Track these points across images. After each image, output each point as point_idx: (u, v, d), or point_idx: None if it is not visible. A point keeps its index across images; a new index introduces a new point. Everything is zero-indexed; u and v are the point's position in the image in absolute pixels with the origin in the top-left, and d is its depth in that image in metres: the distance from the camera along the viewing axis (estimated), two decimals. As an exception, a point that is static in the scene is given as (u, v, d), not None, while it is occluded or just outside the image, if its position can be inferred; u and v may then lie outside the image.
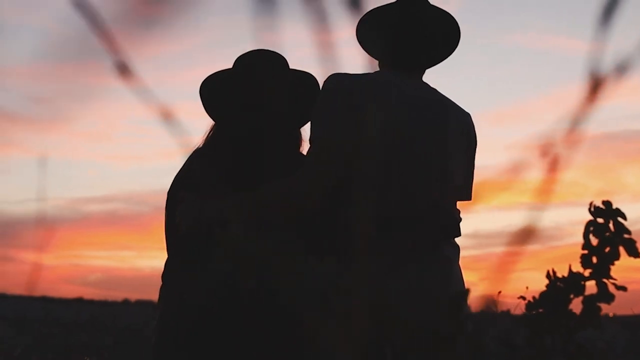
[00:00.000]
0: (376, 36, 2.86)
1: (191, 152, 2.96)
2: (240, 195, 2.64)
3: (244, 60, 2.95)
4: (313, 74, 3.01)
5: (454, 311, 0.90)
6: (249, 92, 2.89)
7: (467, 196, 2.86)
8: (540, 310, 1.15)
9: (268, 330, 2.52)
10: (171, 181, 2.96)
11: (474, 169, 2.88)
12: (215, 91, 2.93)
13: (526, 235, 0.89)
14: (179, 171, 2.94)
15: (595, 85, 0.78)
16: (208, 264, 2.39)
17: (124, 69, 0.82)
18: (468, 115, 2.87)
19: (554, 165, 0.76)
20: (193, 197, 2.74)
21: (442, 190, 2.71)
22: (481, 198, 2.81)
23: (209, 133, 2.97)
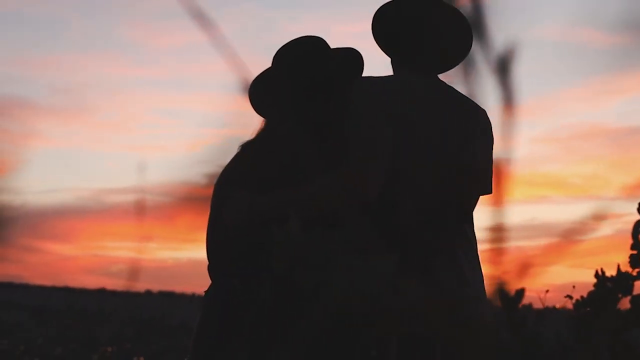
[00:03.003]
0: (392, 34, 2.88)
1: (241, 145, 2.89)
2: (291, 190, 2.60)
3: (286, 55, 2.89)
4: (355, 48, 2.94)
5: (509, 309, 0.90)
6: (299, 85, 2.83)
7: (488, 189, 2.90)
8: (588, 309, 1.15)
9: (324, 330, 2.49)
10: (219, 174, 2.90)
11: (492, 162, 2.91)
12: (262, 93, 2.87)
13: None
14: (229, 163, 2.88)
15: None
16: (263, 262, 2.33)
17: (246, 86, 0.82)
18: (484, 110, 2.90)
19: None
20: (241, 194, 2.69)
21: (469, 186, 2.75)
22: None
23: (262, 127, 2.91)
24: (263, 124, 2.90)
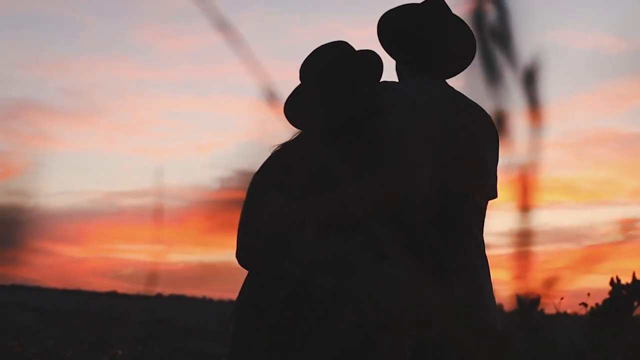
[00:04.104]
0: (397, 39, 2.89)
1: (275, 147, 2.87)
2: (326, 195, 2.58)
3: (318, 62, 2.85)
4: (374, 51, 2.90)
5: (524, 315, 0.89)
6: (335, 90, 2.79)
7: (494, 194, 2.90)
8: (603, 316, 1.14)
9: (340, 334, 2.47)
10: (251, 176, 2.88)
11: (497, 166, 2.91)
12: (298, 108, 2.83)
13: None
14: (262, 166, 2.85)
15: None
16: (282, 267, 2.29)
17: (271, 96, 0.81)
18: (489, 115, 2.90)
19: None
20: (276, 198, 2.66)
21: (475, 189, 2.76)
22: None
23: (296, 135, 2.88)
24: (298, 133, 2.87)
